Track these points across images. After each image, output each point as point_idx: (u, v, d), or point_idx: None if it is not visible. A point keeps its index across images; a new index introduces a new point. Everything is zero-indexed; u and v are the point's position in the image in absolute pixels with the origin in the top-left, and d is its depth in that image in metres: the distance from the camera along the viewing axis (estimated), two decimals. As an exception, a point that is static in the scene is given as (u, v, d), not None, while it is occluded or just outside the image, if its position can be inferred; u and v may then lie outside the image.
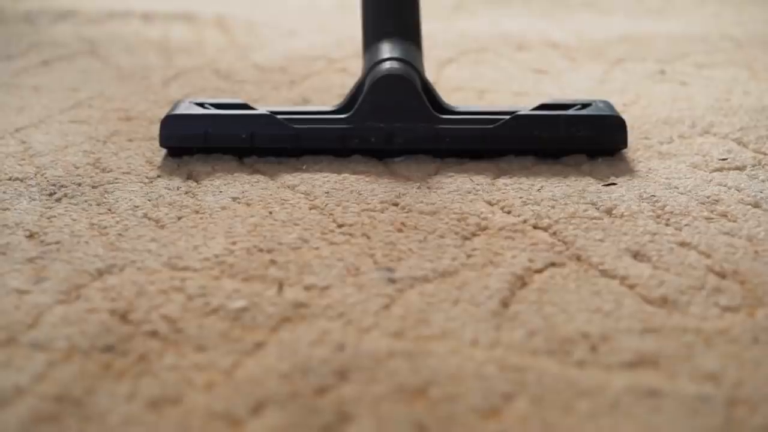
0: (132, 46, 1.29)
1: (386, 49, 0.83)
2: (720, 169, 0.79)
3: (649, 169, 0.79)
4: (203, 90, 1.07)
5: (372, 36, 0.86)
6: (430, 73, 0.93)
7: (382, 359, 0.51)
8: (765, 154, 0.83)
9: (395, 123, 0.80)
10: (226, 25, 1.45)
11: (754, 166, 0.80)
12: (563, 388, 0.49)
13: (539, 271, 0.62)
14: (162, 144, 0.82)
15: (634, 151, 0.83)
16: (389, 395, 0.48)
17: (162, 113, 0.89)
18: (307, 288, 0.59)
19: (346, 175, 0.78)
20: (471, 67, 1.19)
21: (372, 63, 0.82)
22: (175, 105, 0.86)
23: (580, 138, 0.80)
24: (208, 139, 0.80)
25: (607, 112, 0.82)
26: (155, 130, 0.85)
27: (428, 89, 0.82)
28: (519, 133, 0.80)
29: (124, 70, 1.16)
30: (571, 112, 0.82)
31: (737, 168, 0.80)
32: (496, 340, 0.53)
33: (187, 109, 0.84)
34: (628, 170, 0.79)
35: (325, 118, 0.82)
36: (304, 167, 0.79)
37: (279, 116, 0.81)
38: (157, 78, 1.12)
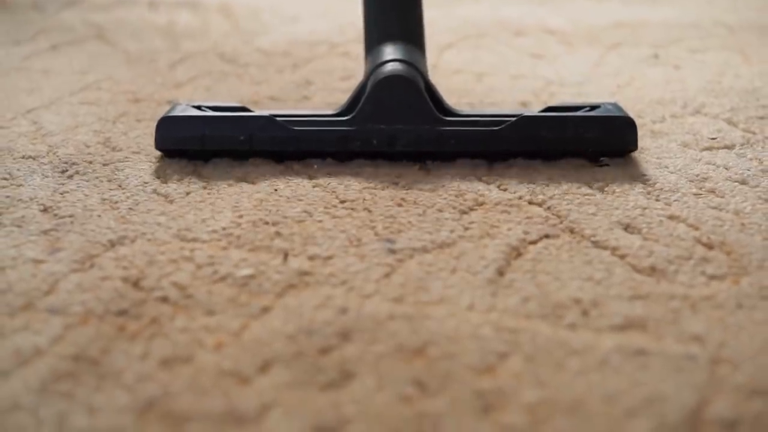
0: (138, 32, 1.32)
1: (389, 52, 0.82)
2: (710, 148, 0.82)
3: (642, 147, 0.81)
4: (209, 73, 1.09)
5: (374, 39, 0.84)
6: (431, 57, 0.95)
7: (383, 321, 0.54)
8: (754, 133, 0.85)
9: (398, 125, 0.77)
10: (229, 11, 1.48)
11: (742, 145, 0.83)
12: (555, 348, 0.51)
13: (534, 242, 0.64)
14: (157, 147, 0.79)
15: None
16: (390, 354, 0.51)
17: (169, 95, 0.91)
18: (311, 258, 0.62)
19: (348, 162, 0.79)
20: (470, 51, 1.22)
21: (374, 65, 0.81)
22: (171, 107, 0.83)
23: (589, 139, 0.77)
24: (205, 141, 0.78)
25: (617, 113, 0.79)
26: (163, 111, 0.87)
27: (432, 92, 0.81)
28: (526, 134, 0.77)
29: (131, 55, 1.18)
30: (579, 113, 0.80)
31: (726, 147, 0.82)
32: (492, 305, 0.56)
33: (184, 111, 0.81)
34: (621, 149, 0.81)
35: (325, 120, 0.80)
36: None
37: (279, 119, 0.79)
38: (163, 62, 1.14)
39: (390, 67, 0.79)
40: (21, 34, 1.30)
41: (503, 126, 0.77)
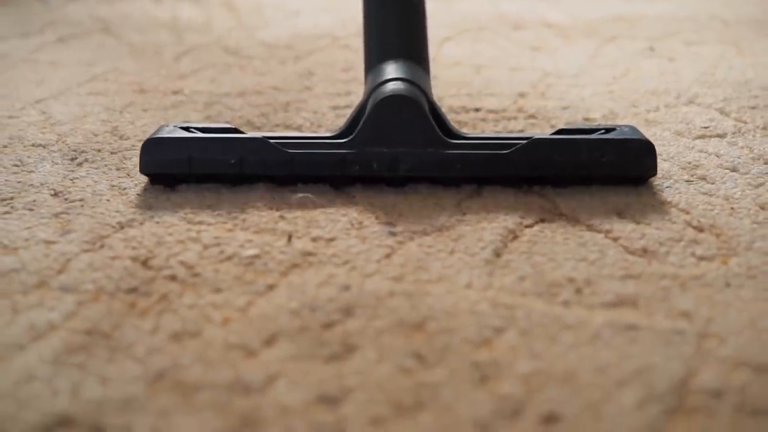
0: (143, 25, 1.34)
1: (390, 70, 0.76)
2: (702, 137, 0.84)
3: (636, 136, 0.83)
4: (213, 65, 1.11)
5: (375, 57, 0.79)
6: (430, 50, 0.97)
7: (384, 298, 0.56)
8: (745, 122, 0.87)
9: (400, 147, 0.72)
10: (232, 5, 1.50)
11: (734, 133, 0.85)
12: (549, 323, 0.53)
13: (530, 226, 0.66)
14: (142, 171, 0.74)
15: (621, 118, 0.87)
16: (390, 329, 0.53)
17: (174, 86, 0.93)
18: (314, 239, 0.64)
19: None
20: (469, 44, 1.24)
21: (374, 84, 0.76)
22: (158, 129, 0.77)
23: (605, 164, 0.72)
24: (192, 165, 0.72)
25: (634, 136, 0.74)
26: (168, 101, 0.89)
27: (437, 113, 0.75)
28: (537, 158, 0.72)
29: (136, 47, 1.20)
30: (593, 136, 0.75)
31: (718, 135, 0.84)
32: (489, 283, 0.58)
33: (171, 132, 0.75)
34: (616, 137, 0.83)
35: (322, 142, 0.74)
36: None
37: (272, 141, 0.73)
38: (168, 54, 1.16)
39: (391, 87, 0.74)
40: (28, 27, 1.32)
41: (513, 149, 0.72)
